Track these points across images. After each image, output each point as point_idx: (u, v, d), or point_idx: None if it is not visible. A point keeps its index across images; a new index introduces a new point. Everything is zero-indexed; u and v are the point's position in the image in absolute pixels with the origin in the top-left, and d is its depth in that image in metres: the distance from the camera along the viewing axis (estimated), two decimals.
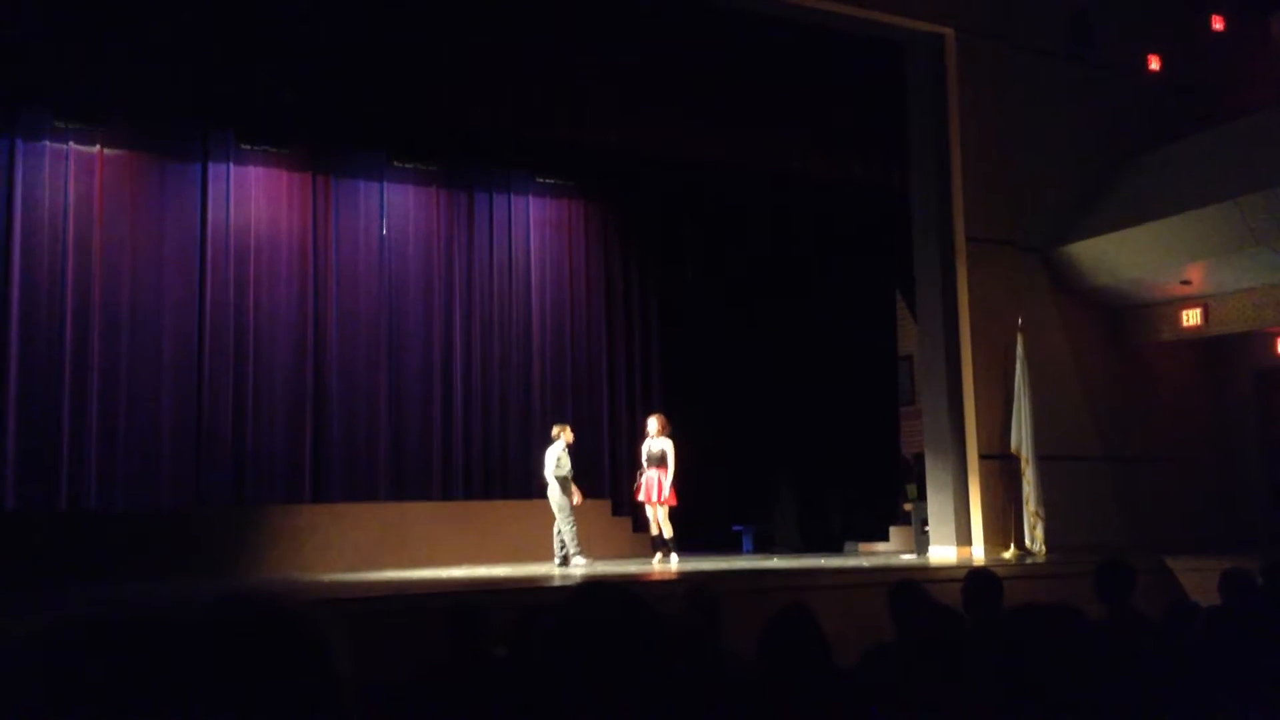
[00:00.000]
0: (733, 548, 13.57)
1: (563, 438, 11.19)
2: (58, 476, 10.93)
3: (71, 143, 11.35)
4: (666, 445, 11.27)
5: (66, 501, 10.94)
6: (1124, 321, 12.25)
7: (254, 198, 12.25)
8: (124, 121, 11.57)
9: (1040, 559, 10.50)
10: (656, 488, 11.19)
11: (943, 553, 11.04)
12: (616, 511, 13.29)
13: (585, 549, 11.04)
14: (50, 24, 8.99)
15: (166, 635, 1.26)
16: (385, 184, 13.07)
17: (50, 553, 9.90)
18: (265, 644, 1.23)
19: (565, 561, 10.93)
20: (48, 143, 11.23)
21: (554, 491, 11.00)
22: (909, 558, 11.56)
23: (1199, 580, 9.47)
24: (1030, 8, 11.93)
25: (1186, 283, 11.44)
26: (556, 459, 11.06)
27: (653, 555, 11.41)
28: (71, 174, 11.31)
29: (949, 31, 11.58)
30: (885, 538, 13.04)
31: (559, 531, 11.01)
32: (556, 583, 9.50)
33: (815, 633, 3.19)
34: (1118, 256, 11.49)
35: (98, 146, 11.48)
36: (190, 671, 1.22)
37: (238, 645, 1.23)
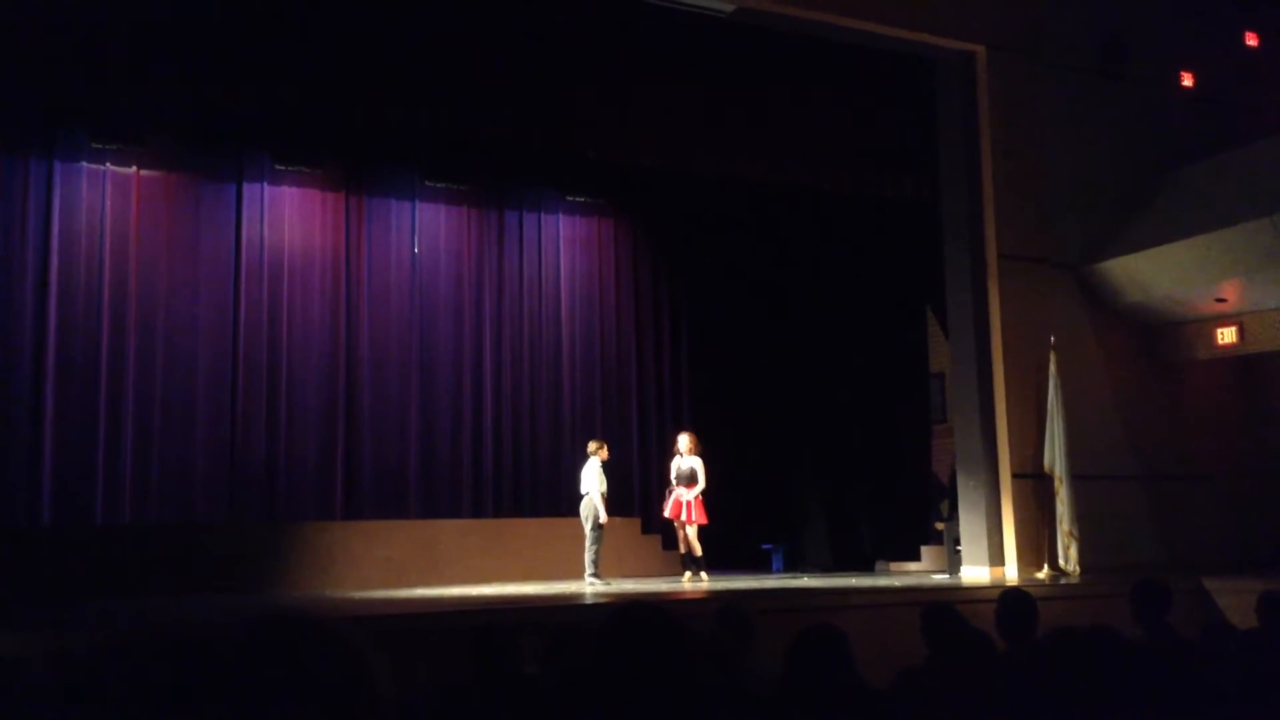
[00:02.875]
0: (763, 566, 13.50)
1: (598, 455, 11.18)
2: (93, 492, 11.04)
3: (108, 164, 11.51)
4: (696, 464, 11.26)
5: (101, 516, 11.05)
6: (1158, 339, 12.14)
7: (288, 217, 12.37)
8: (160, 143, 11.73)
9: (1074, 579, 10.39)
10: (687, 506, 11.17)
11: (975, 573, 10.95)
12: (646, 529, 13.27)
13: (601, 571, 10.98)
14: (87, 47, 9.12)
15: (208, 650, 1.27)
16: (417, 203, 13.16)
17: (85, 567, 10.00)
18: (307, 660, 1.24)
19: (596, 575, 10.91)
20: (85, 164, 11.39)
21: (587, 506, 10.99)
22: (941, 577, 11.47)
23: (1237, 601, 9.34)
24: (1062, 25, 11.88)
25: (1222, 300, 11.33)
26: (599, 475, 11.04)
27: (683, 573, 11.39)
28: (108, 195, 11.47)
29: (980, 49, 11.55)
30: (917, 557, 12.94)
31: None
32: (587, 601, 9.49)
33: (842, 652, 3.17)
34: (1151, 274, 11.39)
35: (134, 167, 11.63)
36: (230, 687, 1.23)
37: (279, 662, 1.24)
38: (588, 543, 10.92)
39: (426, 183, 13.20)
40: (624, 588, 10.70)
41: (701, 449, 11.43)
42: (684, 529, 11.25)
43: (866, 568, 12.99)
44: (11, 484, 10.72)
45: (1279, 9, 12.74)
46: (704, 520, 11.19)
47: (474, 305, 13.30)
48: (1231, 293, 11.21)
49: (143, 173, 11.69)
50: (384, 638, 6.65)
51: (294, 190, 12.47)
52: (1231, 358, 12.07)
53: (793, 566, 13.54)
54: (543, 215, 13.92)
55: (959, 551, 11.39)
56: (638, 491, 13.67)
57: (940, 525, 12.33)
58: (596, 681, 1.70)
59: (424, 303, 13.02)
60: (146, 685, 1.19)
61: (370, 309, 12.70)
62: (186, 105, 10.37)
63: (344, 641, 1.26)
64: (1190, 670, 4.10)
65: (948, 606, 4.41)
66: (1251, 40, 12.81)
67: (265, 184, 12.26)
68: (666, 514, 11.47)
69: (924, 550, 12.90)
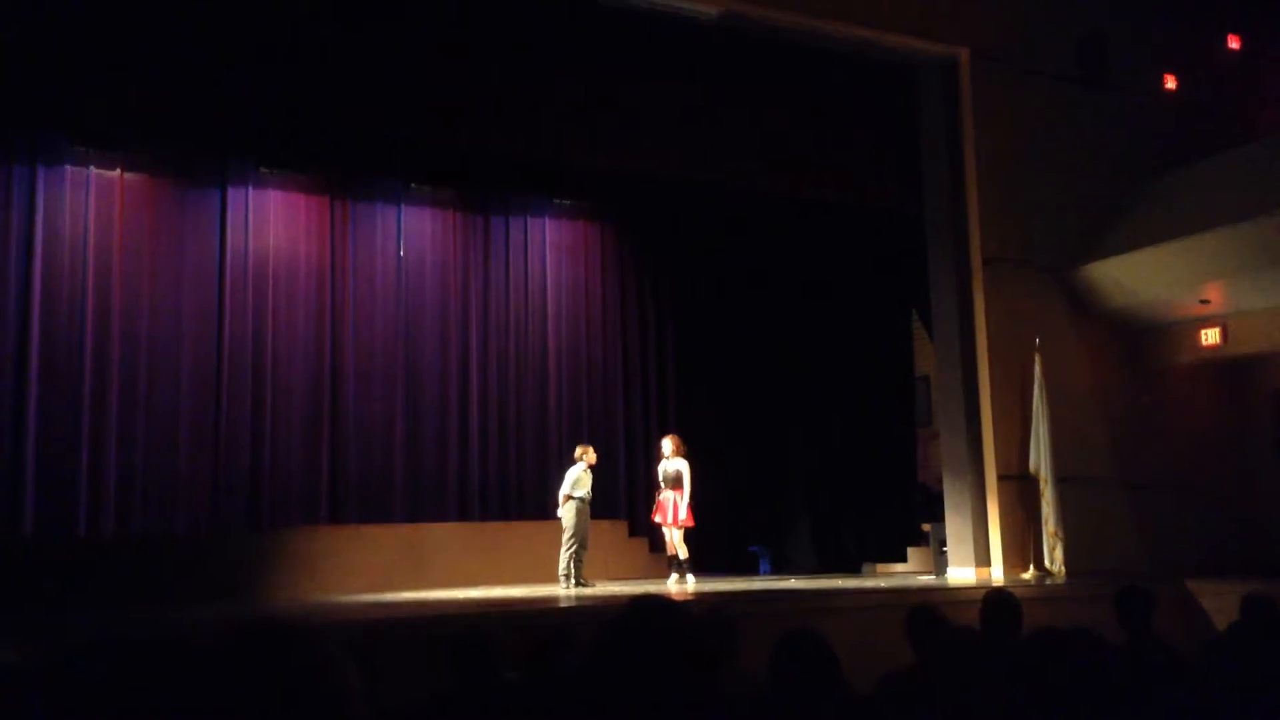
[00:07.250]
0: (749, 569, 13.51)
1: (584, 459, 11.20)
2: (76, 500, 10.96)
3: (92, 167, 11.45)
4: (682, 466, 11.26)
5: (85, 526, 10.97)
6: (1142, 342, 12.19)
7: (272, 222, 12.33)
8: (144, 146, 11.67)
9: (1059, 580, 10.43)
10: (672, 509, 11.17)
11: (961, 574, 10.98)
12: (633, 532, 13.28)
13: (576, 573, 10.98)
14: (71, 50, 9.07)
15: (180, 659, 1.26)
16: (403, 208, 13.14)
17: (68, 577, 9.91)
18: (278, 669, 1.23)
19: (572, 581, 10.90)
20: (68, 167, 11.34)
21: (565, 511, 11.03)
22: (927, 579, 11.50)
23: (1220, 605, 9.39)
24: (1045, 29, 11.92)
25: (1205, 302, 11.38)
26: (574, 480, 11.08)
27: (669, 576, 11.38)
28: (92, 198, 11.41)
29: (963, 53, 11.59)
30: (903, 558, 12.97)
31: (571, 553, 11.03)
32: (571, 605, 9.47)
33: (826, 656, 3.16)
34: (1135, 277, 11.44)
35: (118, 171, 11.58)
36: (203, 696, 1.22)
37: (251, 669, 1.23)
38: (564, 545, 10.97)
39: (412, 187, 13.19)
40: (609, 590, 10.69)
41: (687, 451, 11.43)
42: (670, 532, 11.25)
43: (853, 570, 13.01)
44: None
45: (1261, 13, 12.81)
46: (689, 523, 11.19)
47: (460, 310, 13.28)
48: (1215, 295, 11.26)
49: (126, 176, 11.64)
50: (365, 643, 6.62)
51: (279, 194, 12.43)
52: (1215, 360, 12.13)
53: (779, 569, 13.56)
54: (529, 220, 13.91)
55: (945, 553, 11.42)
56: (624, 495, 13.67)
57: (926, 527, 12.38)
58: (581, 686, 1.69)
59: (410, 308, 12.99)
60: (118, 695, 1.18)
61: (356, 314, 12.67)
62: (170, 108, 10.31)
63: (317, 648, 1.25)
64: (1173, 673, 4.11)
65: (932, 608, 4.41)
66: (1234, 44, 12.87)
67: (250, 188, 12.21)
68: (655, 518, 11.49)
69: (910, 552, 12.94)
